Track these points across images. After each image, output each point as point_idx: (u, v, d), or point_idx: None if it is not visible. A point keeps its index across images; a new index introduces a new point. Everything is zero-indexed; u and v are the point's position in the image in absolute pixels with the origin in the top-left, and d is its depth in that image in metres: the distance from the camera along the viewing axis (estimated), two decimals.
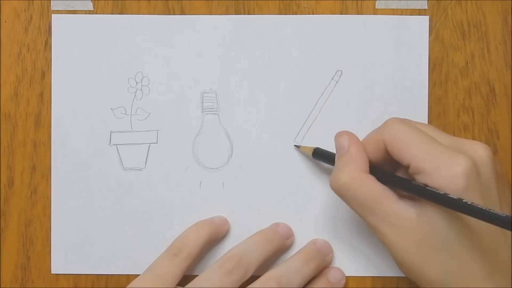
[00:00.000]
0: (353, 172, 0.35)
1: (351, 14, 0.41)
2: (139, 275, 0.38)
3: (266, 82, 0.41)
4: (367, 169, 0.36)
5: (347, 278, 0.41)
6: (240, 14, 0.41)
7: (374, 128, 0.37)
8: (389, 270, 0.41)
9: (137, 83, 0.41)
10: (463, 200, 0.31)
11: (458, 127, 0.41)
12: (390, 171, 0.37)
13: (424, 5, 0.41)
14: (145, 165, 0.41)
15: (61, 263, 0.41)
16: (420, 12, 0.41)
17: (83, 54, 0.41)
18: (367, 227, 0.37)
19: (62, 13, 0.41)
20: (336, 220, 0.41)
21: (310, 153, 0.40)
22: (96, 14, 0.41)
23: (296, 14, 0.41)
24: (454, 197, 0.31)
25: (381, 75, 0.41)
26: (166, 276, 0.38)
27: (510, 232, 0.33)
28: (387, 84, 0.41)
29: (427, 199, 0.33)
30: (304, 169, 0.41)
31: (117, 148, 0.41)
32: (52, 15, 0.41)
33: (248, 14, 0.41)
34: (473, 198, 0.32)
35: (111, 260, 0.41)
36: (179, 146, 0.41)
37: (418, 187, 0.33)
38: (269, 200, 0.41)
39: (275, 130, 0.41)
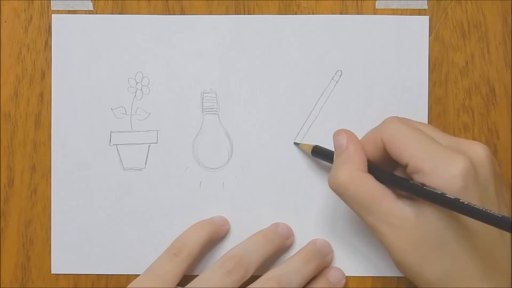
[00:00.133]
0: (352, 171, 0.35)
1: (351, 14, 0.41)
2: (139, 275, 0.38)
3: (266, 82, 0.41)
4: (366, 168, 0.36)
5: (347, 278, 0.41)
6: (240, 14, 0.41)
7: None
8: (389, 270, 0.41)
9: (137, 83, 0.41)
10: (460, 200, 0.31)
11: (458, 127, 0.41)
12: (388, 170, 0.37)
13: (424, 5, 0.41)
14: (145, 165, 0.41)
15: (61, 263, 0.41)
16: (420, 12, 0.41)
17: (83, 54, 0.41)
18: (366, 226, 0.37)
19: (62, 13, 0.41)
20: (336, 220, 0.41)
21: (310, 150, 0.40)
22: (96, 14, 0.41)
23: (296, 14, 0.41)
24: (451, 197, 0.31)
25: (381, 75, 0.41)
26: (166, 276, 0.38)
27: (507, 232, 0.33)
28: (387, 84, 0.41)
29: (424, 199, 0.33)
30: (304, 169, 0.41)
31: (117, 148, 0.41)
32: (52, 15, 0.41)
33: (248, 14, 0.41)
34: (471, 198, 0.32)
35: (111, 260, 0.41)
36: (179, 146, 0.41)
37: (416, 186, 0.33)
38: (269, 200, 0.41)
39: (275, 130, 0.41)
